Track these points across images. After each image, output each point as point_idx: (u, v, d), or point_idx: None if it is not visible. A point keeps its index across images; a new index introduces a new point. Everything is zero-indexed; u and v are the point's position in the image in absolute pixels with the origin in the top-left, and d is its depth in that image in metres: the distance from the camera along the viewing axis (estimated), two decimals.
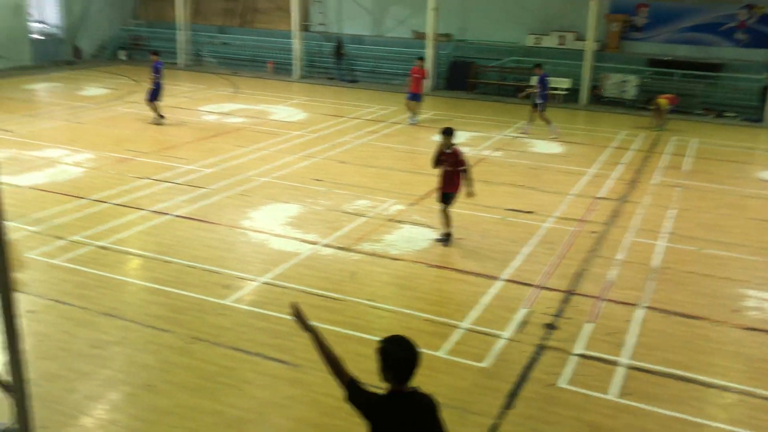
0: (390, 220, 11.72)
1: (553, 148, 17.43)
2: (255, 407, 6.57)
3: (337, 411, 6.35)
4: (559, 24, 25.21)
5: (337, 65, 27.58)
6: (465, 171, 10.50)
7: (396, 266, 9.89)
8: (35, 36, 28.52)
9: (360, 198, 12.77)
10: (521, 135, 18.55)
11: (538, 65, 19.01)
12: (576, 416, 6.61)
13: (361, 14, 28.37)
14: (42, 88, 24.01)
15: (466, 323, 8.27)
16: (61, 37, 29.41)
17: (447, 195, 10.63)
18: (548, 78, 19.11)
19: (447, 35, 26.40)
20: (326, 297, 8.81)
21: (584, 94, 23.73)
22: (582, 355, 7.66)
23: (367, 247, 10.51)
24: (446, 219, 10.66)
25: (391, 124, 19.39)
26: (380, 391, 3.89)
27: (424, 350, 7.41)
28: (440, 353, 7.57)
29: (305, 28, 28.23)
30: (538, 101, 18.41)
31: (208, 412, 6.46)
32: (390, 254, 10.26)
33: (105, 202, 12.01)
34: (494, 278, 9.55)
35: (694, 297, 9.27)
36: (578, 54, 23.74)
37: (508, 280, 9.52)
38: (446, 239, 10.68)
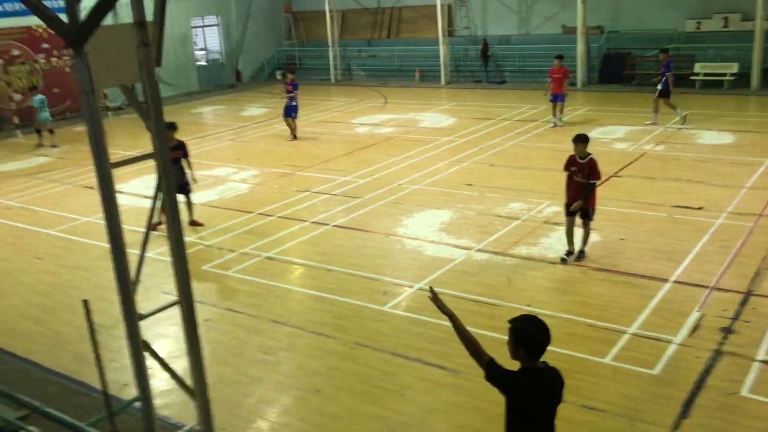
0: (546, 222, 11.42)
1: (722, 138, 16.21)
2: (417, 413, 6.63)
3: (501, 418, 6.25)
4: (722, 5, 23.44)
5: (484, 67, 27.39)
6: (594, 185, 9.51)
7: (554, 270, 9.62)
8: (200, 63, 30.83)
9: (513, 201, 12.57)
10: (682, 126, 17.47)
11: (663, 50, 18.12)
12: (763, 428, 6.06)
13: (507, 14, 27.99)
14: (208, 111, 25.85)
15: (633, 328, 7.85)
16: (222, 62, 31.56)
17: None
18: (672, 64, 17.94)
19: (598, 27, 25.41)
20: (483, 303, 8.72)
21: (755, 78, 21.86)
22: (766, 362, 7.03)
23: (522, 251, 10.30)
24: (584, 234, 9.77)
25: (542, 123, 18.93)
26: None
27: (589, 357, 7.20)
28: (607, 360, 7.24)
29: (450, 33, 28.30)
30: (660, 87, 17.56)
31: (372, 416, 6.61)
32: (547, 258, 9.99)
33: (270, 215, 12.68)
34: (663, 280, 9.01)
35: None
36: (746, 36, 21.94)
37: (678, 282, 8.94)
38: (566, 259, 9.75)
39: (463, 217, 11.97)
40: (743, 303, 8.27)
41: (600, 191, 12.50)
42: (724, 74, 22.36)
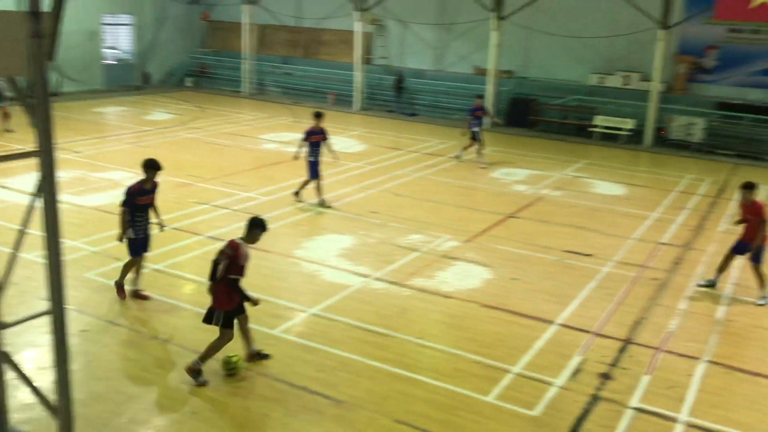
0: (444, 256, 11.56)
1: (614, 189, 17.01)
2: None
3: None
4: (625, 64, 24.79)
5: (397, 98, 27.76)
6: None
7: (447, 304, 9.71)
8: (107, 61, 29.64)
9: (414, 232, 12.66)
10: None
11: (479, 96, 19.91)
12: None
13: (424, 49, 28.54)
14: (111, 111, 24.82)
15: (517, 368, 8.00)
16: (131, 63, 30.48)
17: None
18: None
19: (509, 72, 26.30)
20: (374, 332, 8.67)
21: (648, 135, 23.18)
22: (638, 409, 7.31)
23: (419, 282, 10.36)
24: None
25: (449, 159, 19.28)
26: None
27: (473, 394, 7.24)
28: (489, 398, 7.31)
29: (367, 61, 28.55)
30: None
31: None
32: (442, 291, 10.09)
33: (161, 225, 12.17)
34: (549, 322, 9.26)
35: (760, 353, 8.80)
36: (643, 95, 23.28)
37: (563, 325, 9.22)
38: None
39: (364, 244, 11.94)
40: (622, 350, 8.61)
41: (496, 231, 12.88)
42: (621, 129, 23.58)
